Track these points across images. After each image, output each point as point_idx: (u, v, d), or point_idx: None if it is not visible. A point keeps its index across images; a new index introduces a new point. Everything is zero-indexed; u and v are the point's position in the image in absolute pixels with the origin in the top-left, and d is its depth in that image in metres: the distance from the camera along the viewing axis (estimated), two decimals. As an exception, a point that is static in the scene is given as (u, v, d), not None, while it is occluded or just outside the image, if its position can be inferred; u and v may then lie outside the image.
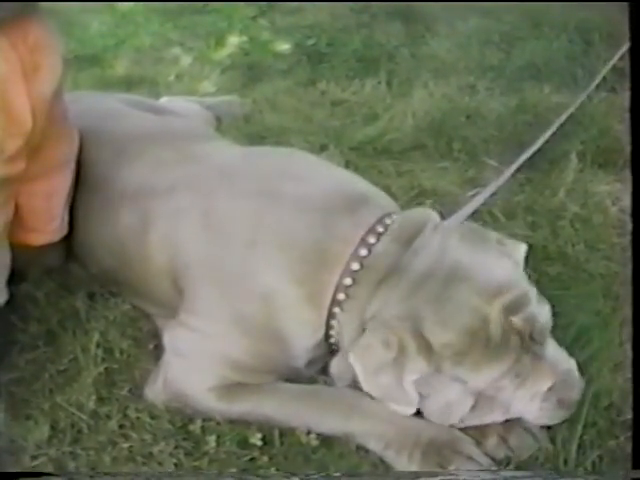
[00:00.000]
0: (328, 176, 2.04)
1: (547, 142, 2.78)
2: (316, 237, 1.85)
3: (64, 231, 2.13)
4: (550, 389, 1.77)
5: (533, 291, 1.84)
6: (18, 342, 2.06)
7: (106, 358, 2.01)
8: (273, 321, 1.84)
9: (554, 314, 2.08)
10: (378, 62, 3.59)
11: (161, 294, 2.02)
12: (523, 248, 1.92)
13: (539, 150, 2.74)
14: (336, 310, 1.82)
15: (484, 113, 3.10)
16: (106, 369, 1.98)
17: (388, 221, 1.89)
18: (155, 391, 1.92)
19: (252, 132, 3.02)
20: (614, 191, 2.62)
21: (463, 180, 2.73)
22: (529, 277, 2.21)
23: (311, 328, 1.85)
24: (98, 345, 2.03)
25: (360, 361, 1.75)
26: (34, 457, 1.79)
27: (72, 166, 2.10)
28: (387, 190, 2.62)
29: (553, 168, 2.73)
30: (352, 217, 1.87)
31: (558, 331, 2.03)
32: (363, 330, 1.78)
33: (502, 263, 1.83)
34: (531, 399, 1.77)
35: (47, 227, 2.09)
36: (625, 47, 3.09)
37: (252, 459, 1.77)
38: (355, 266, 1.81)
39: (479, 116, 3.08)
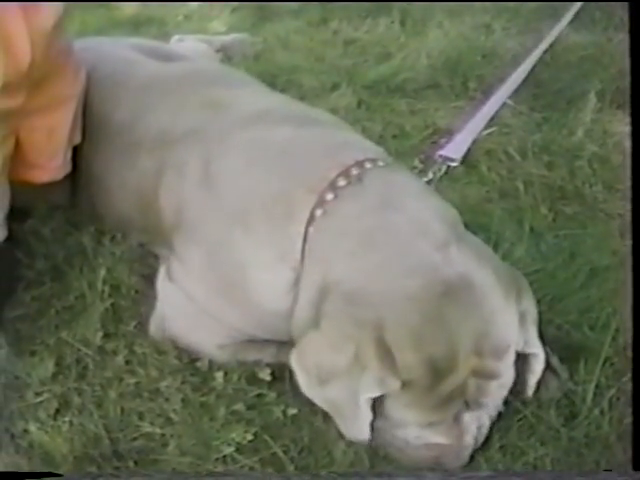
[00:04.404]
0: (321, 128, 1.85)
1: (566, 81, 2.72)
2: (281, 188, 1.67)
3: (67, 169, 2.08)
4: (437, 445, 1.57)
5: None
6: (24, 278, 2.03)
7: (113, 294, 1.97)
8: (249, 286, 1.69)
9: (571, 254, 2.07)
10: (391, 2, 3.49)
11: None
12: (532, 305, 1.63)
13: (557, 89, 2.69)
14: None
15: (500, 52, 3.02)
16: (112, 305, 1.95)
17: (369, 165, 1.67)
18: (159, 329, 1.87)
19: (263, 71, 2.95)
20: (634, 132, 2.56)
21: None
22: (545, 217, 2.22)
23: (283, 289, 1.66)
24: (105, 281, 1.99)
25: (301, 364, 1.55)
26: (38, 393, 1.76)
27: (75, 102, 2.05)
28: (400, 129, 2.61)
29: (571, 107, 2.67)
30: (323, 161, 1.68)
31: (575, 270, 2.01)
32: (320, 305, 1.56)
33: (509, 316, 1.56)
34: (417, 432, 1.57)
35: (49, 164, 2.04)
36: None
37: (260, 395, 1.73)
38: (319, 212, 1.61)
39: (495, 55, 3.01)
